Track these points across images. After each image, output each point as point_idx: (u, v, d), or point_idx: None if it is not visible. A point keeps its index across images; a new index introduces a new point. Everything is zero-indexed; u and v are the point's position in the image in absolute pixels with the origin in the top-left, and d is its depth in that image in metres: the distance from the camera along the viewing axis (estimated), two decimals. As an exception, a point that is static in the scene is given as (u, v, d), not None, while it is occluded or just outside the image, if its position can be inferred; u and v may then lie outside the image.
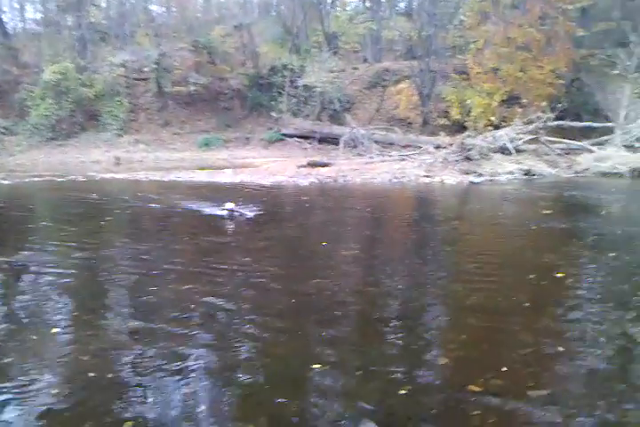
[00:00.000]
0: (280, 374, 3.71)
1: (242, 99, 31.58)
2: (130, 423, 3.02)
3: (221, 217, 9.72)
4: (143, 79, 31.71)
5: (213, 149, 27.85)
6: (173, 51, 31.16)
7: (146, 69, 30.91)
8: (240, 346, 4.11)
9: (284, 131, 28.31)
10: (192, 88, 30.34)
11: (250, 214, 9.80)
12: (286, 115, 29.05)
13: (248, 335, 4.30)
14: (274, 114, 28.86)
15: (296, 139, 27.74)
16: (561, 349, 4.09)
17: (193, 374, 3.64)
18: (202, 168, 19.84)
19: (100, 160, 24.59)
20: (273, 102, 29.93)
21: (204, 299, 5.21)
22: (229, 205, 9.75)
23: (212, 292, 5.43)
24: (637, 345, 4.06)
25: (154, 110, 31.22)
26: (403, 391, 3.35)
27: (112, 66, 30.57)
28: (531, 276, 6.07)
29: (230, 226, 9.42)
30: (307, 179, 16.34)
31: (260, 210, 10.36)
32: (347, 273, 6.42)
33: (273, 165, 20.31)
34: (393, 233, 9.21)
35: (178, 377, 3.59)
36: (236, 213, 9.75)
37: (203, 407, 3.25)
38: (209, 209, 10.47)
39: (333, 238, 8.29)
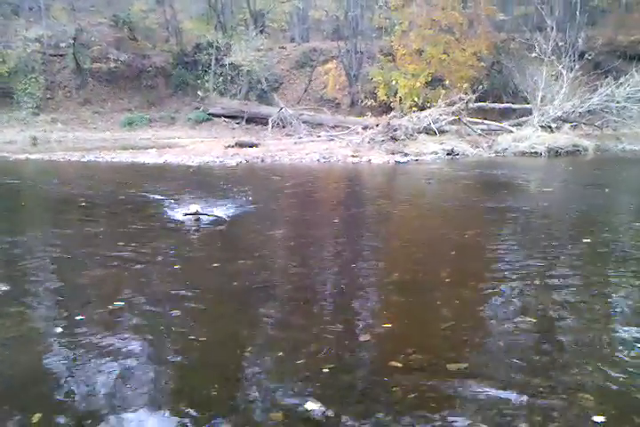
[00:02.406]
0: (206, 356, 3.64)
1: (166, 77, 30.66)
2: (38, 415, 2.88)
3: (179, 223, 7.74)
4: (60, 55, 30.17)
5: (137, 128, 26.99)
6: (92, 26, 29.82)
7: (62, 45, 29.42)
8: (165, 329, 4.01)
9: (211, 110, 27.77)
10: (112, 65, 29.19)
11: (223, 216, 7.97)
12: (213, 94, 28.48)
13: (173, 318, 4.20)
14: (200, 93, 28.21)
15: (224, 119, 27.29)
16: (480, 322, 4.22)
17: (119, 358, 3.52)
18: (125, 148, 19.17)
19: (14, 140, 23.32)
20: (199, 81, 29.25)
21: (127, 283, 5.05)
22: (194, 208, 7.81)
23: (133, 276, 5.28)
24: (554, 318, 4.22)
25: (72, 88, 29.86)
26: (326, 370, 3.36)
27: (26, 41, 28.90)
28: (452, 252, 6.23)
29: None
30: (234, 159, 16.11)
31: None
32: (271, 254, 6.38)
33: (200, 146, 19.89)
34: (319, 213, 9.22)
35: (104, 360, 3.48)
36: (203, 218, 7.80)
37: (133, 390, 3.15)
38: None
39: (260, 219, 8.22)
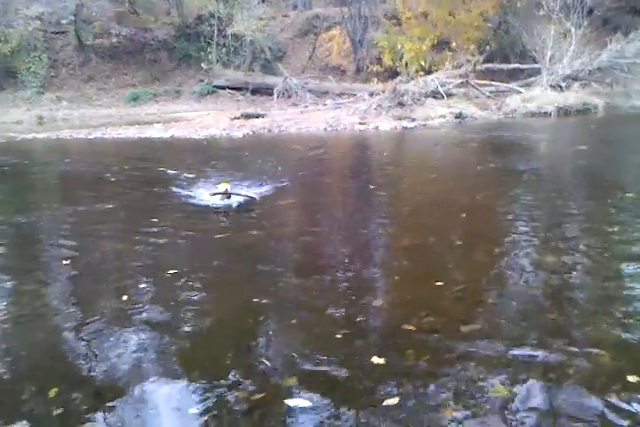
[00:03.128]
0: (220, 325, 3.68)
1: (169, 50, 30.26)
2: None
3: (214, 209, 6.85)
4: (62, 32, 29.80)
5: (142, 103, 26.82)
6: (92, 1, 29.32)
7: (64, 22, 29.04)
8: (178, 300, 4.04)
9: (216, 82, 27.49)
10: (114, 40, 28.79)
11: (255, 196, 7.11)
12: (217, 66, 28.15)
13: (185, 288, 4.23)
14: (204, 65, 27.91)
15: (228, 90, 27.03)
16: (492, 284, 4.22)
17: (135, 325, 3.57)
18: (131, 124, 19.09)
19: (21, 120, 23.26)
20: (202, 53, 28.88)
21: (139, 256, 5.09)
22: (224, 187, 6.81)
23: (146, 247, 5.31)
24: (567, 278, 4.21)
25: (76, 65, 29.60)
26: (339, 336, 3.38)
27: (27, 19, 28.53)
28: (463, 215, 6.20)
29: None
30: (241, 131, 16.02)
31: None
32: (283, 223, 6.38)
33: (206, 118, 19.76)
34: (329, 180, 9.18)
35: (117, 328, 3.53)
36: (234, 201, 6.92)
37: (147, 357, 3.20)
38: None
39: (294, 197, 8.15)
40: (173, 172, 9.49)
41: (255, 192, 7.32)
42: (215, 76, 27.70)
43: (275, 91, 23.81)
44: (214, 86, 27.41)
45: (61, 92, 28.10)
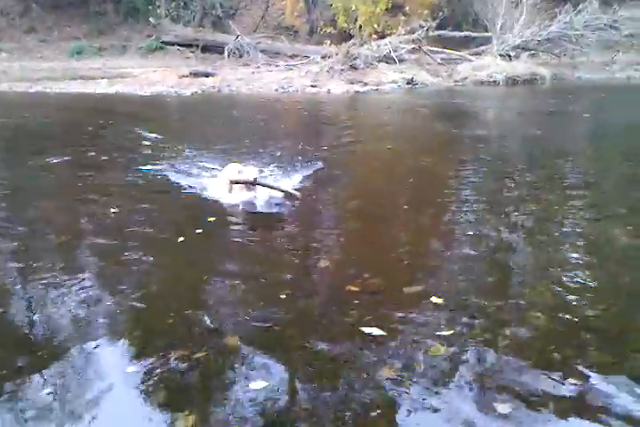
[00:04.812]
0: (163, 287, 3.66)
1: (115, 3, 28.87)
2: None
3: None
4: (-1, -21, 28.04)
5: (86, 57, 25.65)
6: (30, -55, 27.61)
7: (0, -32, 27.30)
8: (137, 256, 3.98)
9: (164, 38, 26.49)
10: (57, -11, 27.32)
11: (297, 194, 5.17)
12: (165, 21, 27.11)
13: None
14: (152, 20, 26.80)
15: (177, 47, 26.13)
16: (436, 247, 4.31)
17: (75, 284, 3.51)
18: (74, 78, 18.31)
19: (-45, 71, 21.94)
20: (150, 7, 27.72)
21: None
22: (251, 173, 5.00)
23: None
24: (509, 243, 4.33)
25: (15, 15, 27.97)
26: (283, 296, 3.40)
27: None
28: (410, 179, 6.27)
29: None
30: (189, 89, 15.62)
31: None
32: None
33: (152, 75, 19.14)
34: (278, 143, 9.08)
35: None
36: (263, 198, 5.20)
37: (86, 316, 3.16)
38: None
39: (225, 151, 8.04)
40: (152, 135, 8.81)
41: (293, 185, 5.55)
42: (163, 31, 26.68)
43: (226, 49, 23.17)
44: (162, 42, 26.43)
45: (0, 43, 26.62)
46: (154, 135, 8.52)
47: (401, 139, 9.03)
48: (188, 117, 11.33)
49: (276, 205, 5.16)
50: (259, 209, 5.09)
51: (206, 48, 25.30)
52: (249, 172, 4.95)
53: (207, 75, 18.47)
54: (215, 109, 13.03)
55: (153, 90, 15.39)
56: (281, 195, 5.15)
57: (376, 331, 2.93)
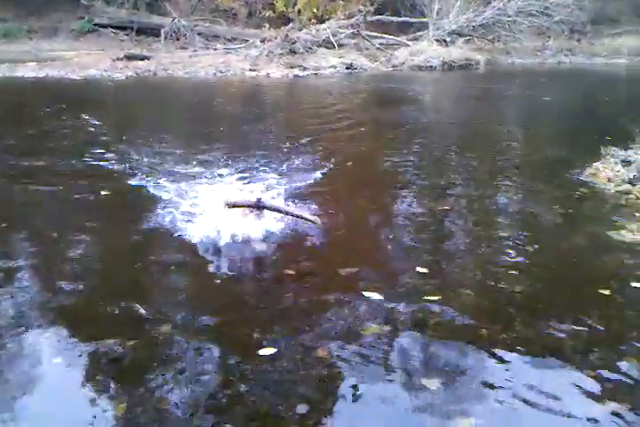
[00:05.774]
0: (95, 274, 3.61)
1: (44, -18, 27.77)
2: None
3: None
4: None
5: (14, 40, 24.59)
6: None
7: None
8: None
9: (97, 20, 25.60)
10: (-21, -34, 25.95)
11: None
12: (98, 2, 26.19)
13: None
14: (84, 1, 25.88)
15: (111, 30, 25.34)
16: (370, 230, 4.39)
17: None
18: (1, 62, 17.51)
19: None
20: (81, -13, 26.73)
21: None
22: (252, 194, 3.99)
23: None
24: (442, 224, 4.45)
25: None
26: (217, 281, 3.41)
27: None
28: (348, 163, 6.32)
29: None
30: (123, 72, 15.22)
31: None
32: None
33: (85, 58, 18.53)
34: (220, 126, 9.00)
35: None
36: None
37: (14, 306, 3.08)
38: None
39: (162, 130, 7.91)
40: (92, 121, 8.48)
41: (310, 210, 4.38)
42: (96, 13, 25.78)
43: (162, 32, 22.63)
44: (95, 24, 25.56)
45: None
46: (92, 121, 8.29)
47: (339, 123, 9.07)
48: (124, 102, 11.07)
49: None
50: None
51: (141, 31, 24.64)
52: (251, 193, 3.95)
53: (142, 58, 18.01)
54: (150, 94, 12.76)
55: (85, 73, 14.90)
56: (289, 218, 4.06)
57: (312, 313, 2.95)
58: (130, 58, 17.80)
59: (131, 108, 10.07)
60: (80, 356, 2.60)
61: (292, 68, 16.68)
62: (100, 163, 6.09)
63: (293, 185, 5.30)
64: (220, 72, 15.95)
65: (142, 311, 3.01)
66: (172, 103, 11.07)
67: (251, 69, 16.32)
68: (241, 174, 5.61)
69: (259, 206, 3.80)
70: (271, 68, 16.58)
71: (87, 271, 3.59)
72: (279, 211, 3.92)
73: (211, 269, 3.59)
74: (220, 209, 3.85)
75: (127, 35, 24.70)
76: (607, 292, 3.19)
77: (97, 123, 8.25)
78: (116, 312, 3.03)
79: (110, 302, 3.12)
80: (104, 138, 7.33)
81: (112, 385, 2.42)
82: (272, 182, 5.32)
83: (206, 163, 6.10)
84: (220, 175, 5.56)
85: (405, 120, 9.08)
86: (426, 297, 3.13)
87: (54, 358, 2.62)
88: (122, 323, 2.93)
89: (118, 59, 17.66)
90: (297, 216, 3.90)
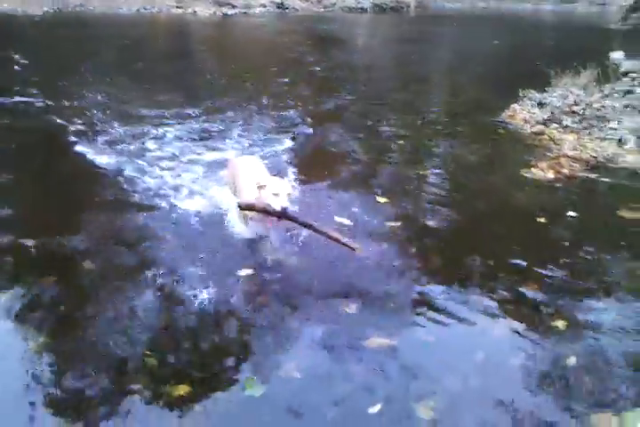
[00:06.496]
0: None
1: None
2: None
3: None
4: None
5: None
6: None
7: None
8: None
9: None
10: None
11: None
12: None
13: None
14: None
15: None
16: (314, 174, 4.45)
17: None
18: None
19: None
20: None
21: None
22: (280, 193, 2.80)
23: None
24: (372, 160, 4.56)
25: None
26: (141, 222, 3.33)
27: None
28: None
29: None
30: (40, 7, 14.22)
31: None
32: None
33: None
34: (152, 63, 8.63)
35: None
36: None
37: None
38: None
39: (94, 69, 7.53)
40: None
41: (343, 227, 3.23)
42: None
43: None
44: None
45: None
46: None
47: (267, 62, 8.88)
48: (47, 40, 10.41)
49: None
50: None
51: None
52: (276, 188, 2.83)
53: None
54: (74, 33, 12.00)
55: (-2, 8, 13.86)
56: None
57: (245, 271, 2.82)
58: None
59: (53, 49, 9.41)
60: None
61: (220, 6, 16.10)
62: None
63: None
64: (145, 8, 15.19)
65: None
66: (99, 45, 10.36)
67: (177, 7, 15.63)
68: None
69: (281, 215, 2.79)
70: (198, 5, 15.91)
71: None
72: (314, 230, 2.81)
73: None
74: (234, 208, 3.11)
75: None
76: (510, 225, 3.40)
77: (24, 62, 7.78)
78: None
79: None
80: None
81: (31, 322, 2.36)
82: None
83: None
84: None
85: (338, 59, 9.00)
86: (355, 235, 3.13)
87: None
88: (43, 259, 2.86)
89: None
90: (330, 237, 2.76)
